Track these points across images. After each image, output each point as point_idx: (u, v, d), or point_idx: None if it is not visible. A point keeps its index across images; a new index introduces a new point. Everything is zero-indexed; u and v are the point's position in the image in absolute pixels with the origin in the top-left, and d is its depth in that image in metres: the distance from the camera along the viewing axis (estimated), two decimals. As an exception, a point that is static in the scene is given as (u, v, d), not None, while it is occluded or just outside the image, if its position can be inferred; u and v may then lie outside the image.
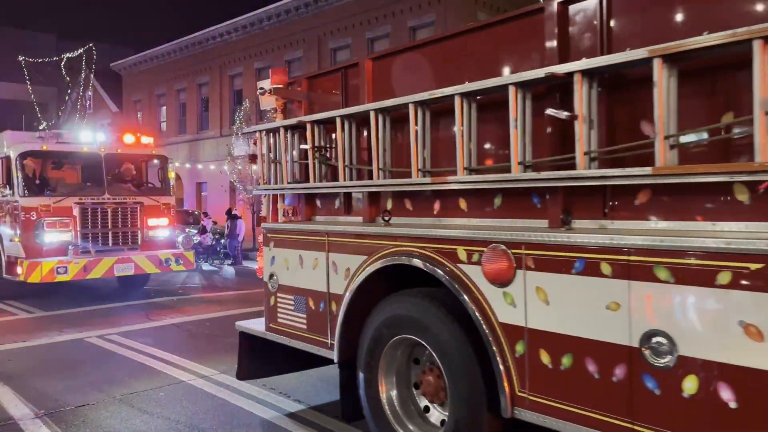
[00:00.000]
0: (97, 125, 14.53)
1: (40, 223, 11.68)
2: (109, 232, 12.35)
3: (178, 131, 36.78)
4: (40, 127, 16.61)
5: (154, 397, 6.14)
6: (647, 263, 2.65)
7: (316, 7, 28.67)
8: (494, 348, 3.28)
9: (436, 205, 4.06)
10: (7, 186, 12.15)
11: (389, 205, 4.40)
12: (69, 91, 31.91)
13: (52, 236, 11.74)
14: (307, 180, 4.95)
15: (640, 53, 2.67)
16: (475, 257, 3.39)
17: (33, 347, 8.53)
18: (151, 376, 6.91)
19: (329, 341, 4.45)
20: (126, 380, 6.72)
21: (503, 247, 3.23)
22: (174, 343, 8.63)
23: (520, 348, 3.20)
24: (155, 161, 13.88)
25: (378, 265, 4.02)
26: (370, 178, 4.46)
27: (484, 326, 3.32)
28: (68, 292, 12.89)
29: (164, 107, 38.70)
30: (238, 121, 27.31)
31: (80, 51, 25.07)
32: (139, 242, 12.68)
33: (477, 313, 3.36)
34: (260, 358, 5.36)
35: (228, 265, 20.93)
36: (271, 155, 5.12)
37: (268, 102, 5.13)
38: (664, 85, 2.63)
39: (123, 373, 7.03)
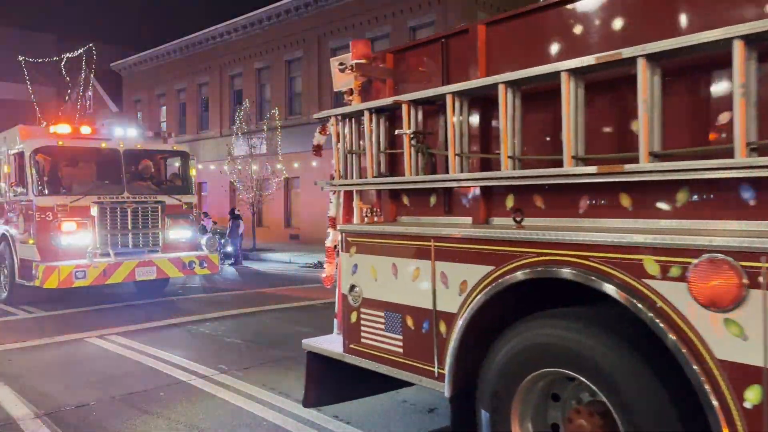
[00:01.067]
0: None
1: (57, 224, 10.74)
2: (129, 234, 11.45)
3: (178, 131, 36.12)
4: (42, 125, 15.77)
5: (154, 397, 6.02)
6: None
7: (316, 7, 28.29)
8: (710, 394, 2.43)
9: (583, 203, 3.22)
10: (20, 184, 11.20)
11: (510, 202, 3.56)
12: (69, 91, 31.11)
13: (69, 238, 10.81)
14: (395, 173, 4.11)
15: None
16: (675, 271, 2.54)
17: (33, 347, 8.31)
18: (151, 376, 6.78)
19: (436, 370, 3.59)
20: (126, 380, 6.59)
21: (728, 258, 2.38)
22: (174, 343, 8.41)
23: (753, 396, 2.35)
24: (176, 158, 13.00)
25: (513, 278, 3.16)
26: (487, 168, 3.64)
27: (694, 365, 2.47)
28: (68, 292, 12.04)
29: (164, 107, 38.21)
30: (238, 121, 26.76)
31: (80, 51, 24.64)
32: (161, 244, 11.80)
33: (680, 346, 2.51)
34: (332, 382, 4.51)
35: (229, 265, 20.37)
36: (347, 145, 4.29)
37: (344, 81, 4.27)
38: None
39: (123, 373, 6.90)
